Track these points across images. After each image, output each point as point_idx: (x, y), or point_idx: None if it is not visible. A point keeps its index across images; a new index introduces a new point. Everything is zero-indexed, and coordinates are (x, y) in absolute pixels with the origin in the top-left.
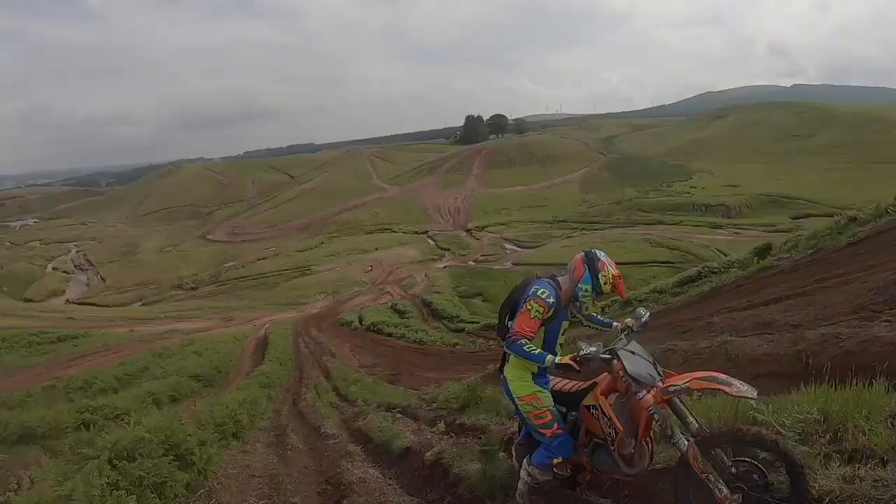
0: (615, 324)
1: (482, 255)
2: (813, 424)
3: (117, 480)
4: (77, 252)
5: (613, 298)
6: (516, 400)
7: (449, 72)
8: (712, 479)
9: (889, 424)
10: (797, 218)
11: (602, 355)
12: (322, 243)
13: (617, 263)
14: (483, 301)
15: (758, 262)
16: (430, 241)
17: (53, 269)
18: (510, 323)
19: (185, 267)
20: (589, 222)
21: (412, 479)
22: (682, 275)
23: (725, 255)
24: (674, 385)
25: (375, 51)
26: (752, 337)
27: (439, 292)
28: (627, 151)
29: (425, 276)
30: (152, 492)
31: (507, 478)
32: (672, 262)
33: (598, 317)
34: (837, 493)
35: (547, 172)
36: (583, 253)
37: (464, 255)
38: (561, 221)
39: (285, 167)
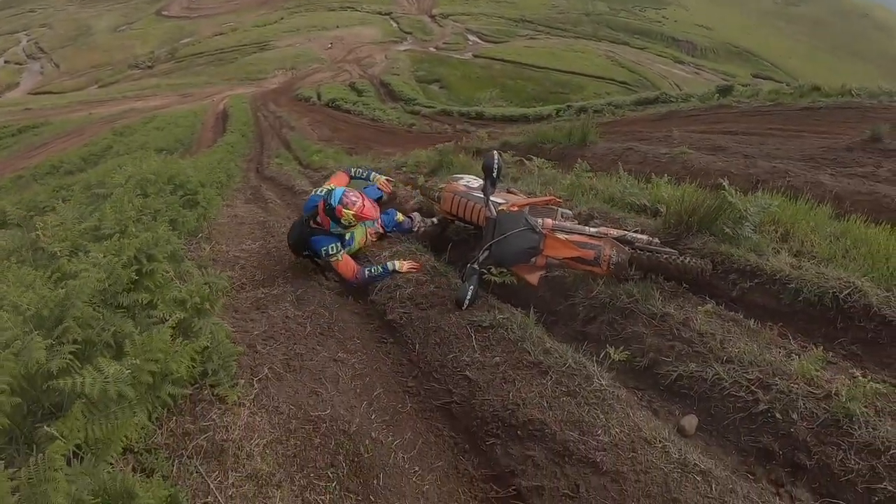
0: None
1: (444, 43)
2: (769, 223)
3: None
4: (28, 41)
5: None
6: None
7: None
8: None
9: (830, 240)
10: (757, 77)
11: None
12: (282, 19)
13: (570, 71)
14: (440, 88)
15: (717, 99)
16: (393, 24)
17: (5, 62)
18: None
19: (140, 46)
20: (555, 27)
21: None
22: (640, 95)
23: (681, 90)
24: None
25: None
26: (708, 155)
27: (398, 75)
28: None
29: (385, 57)
30: (169, 226)
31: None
32: (628, 84)
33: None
34: (786, 272)
35: None
36: (322, 201)
37: (425, 41)
38: (527, 21)
39: None
